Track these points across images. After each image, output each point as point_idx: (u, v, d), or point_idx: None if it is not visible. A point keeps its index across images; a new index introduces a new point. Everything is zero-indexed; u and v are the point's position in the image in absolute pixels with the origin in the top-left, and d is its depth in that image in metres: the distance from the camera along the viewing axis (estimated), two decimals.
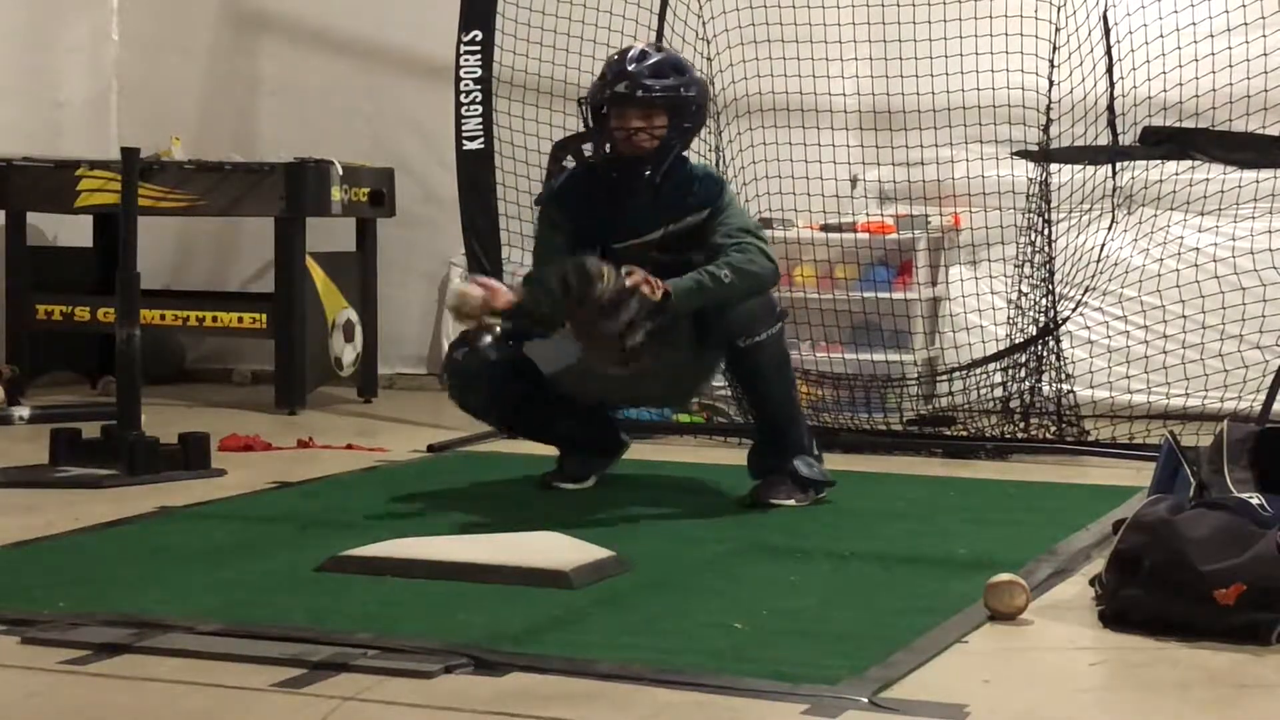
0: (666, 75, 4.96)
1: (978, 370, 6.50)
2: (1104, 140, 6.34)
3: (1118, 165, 6.44)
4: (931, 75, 6.51)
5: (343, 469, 5.64)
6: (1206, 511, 3.52)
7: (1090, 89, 6.38)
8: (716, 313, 4.80)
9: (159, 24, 8.57)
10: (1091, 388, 6.50)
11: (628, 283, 4.54)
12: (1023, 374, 6.35)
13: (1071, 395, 6.30)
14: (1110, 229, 6.46)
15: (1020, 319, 6.41)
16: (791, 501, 4.93)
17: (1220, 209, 6.35)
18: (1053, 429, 6.20)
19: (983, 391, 6.45)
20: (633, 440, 5.44)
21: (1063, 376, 6.34)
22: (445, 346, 7.89)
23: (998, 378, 6.42)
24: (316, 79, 8.29)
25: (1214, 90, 6.16)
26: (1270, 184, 6.32)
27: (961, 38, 6.46)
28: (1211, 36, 6.23)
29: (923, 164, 6.84)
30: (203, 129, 8.35)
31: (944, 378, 6.74)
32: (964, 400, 6.51)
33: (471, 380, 5.06)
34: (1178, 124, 6.20)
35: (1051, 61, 6.40)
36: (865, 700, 2.93)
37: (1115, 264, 6.47)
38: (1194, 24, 6.23)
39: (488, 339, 4.99)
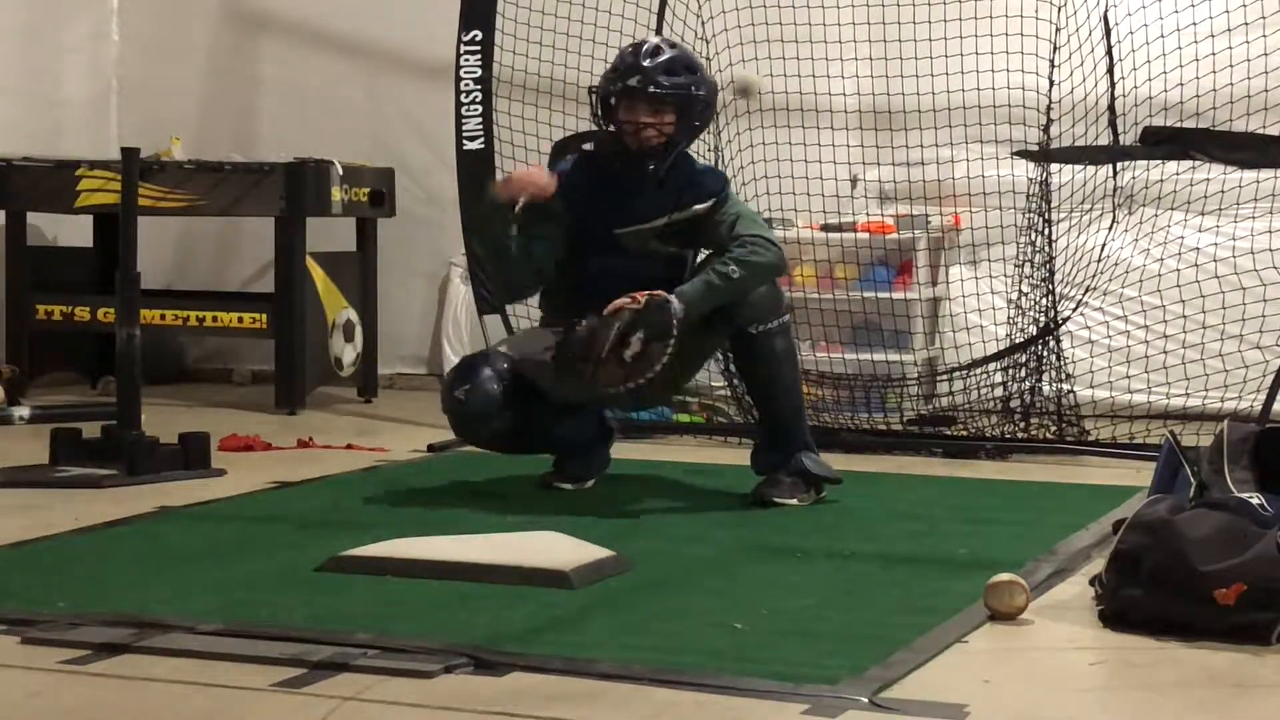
0: (679, 73, 4.95)
1: (978, 370, 6.50)
2: (1104, 140, 6.34)
3: (1118, 165, 6.44)
4: (931, 75, 6.51)
5: (343, 469, 5.64)
6: (1207, 512, 3.52)
7: (1091, 89, 6.38)
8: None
9: (159, 24, 8.57)
10: (1092, 387, 6.50)
11: (604, 312, 4.62)
12: (1023, 374, 6.35)
13: (1071, 395, 6.30)
14: (1110, 229, 6.46)
15: (1020, 319, 6.41)
16: (794, 501, 4.93)
17: (1220, 209, 6.34)
18: (1053, 429, 6.20)
19: (983, 391, 6.45)
20: (632, 440, 5.43)
21: (1063, 376, 6.34)
22: (445, 347, 7.92)
23: (998, 378, 6.42)
24: (316, 79, 8.29)
25: (1214, 90, 6.16)
26: (1270, 184, 6.31)
27: (961, 38, 6.45)
28: (1212, 36, 6.23)
29: (923, 164, 6.83)
30: (203, 129, 8.35)
31: (944, 378, 6.74)
32: (964, 400, 6.51)
33: (476, 422, 4.98)
34: (1178, 124, 6.21)
35: (1052, 61, 6.40)
36: (865, 700, 2.93)
37: (1115, 264, 6.47)
38: (1194, 24, 6.23)
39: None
